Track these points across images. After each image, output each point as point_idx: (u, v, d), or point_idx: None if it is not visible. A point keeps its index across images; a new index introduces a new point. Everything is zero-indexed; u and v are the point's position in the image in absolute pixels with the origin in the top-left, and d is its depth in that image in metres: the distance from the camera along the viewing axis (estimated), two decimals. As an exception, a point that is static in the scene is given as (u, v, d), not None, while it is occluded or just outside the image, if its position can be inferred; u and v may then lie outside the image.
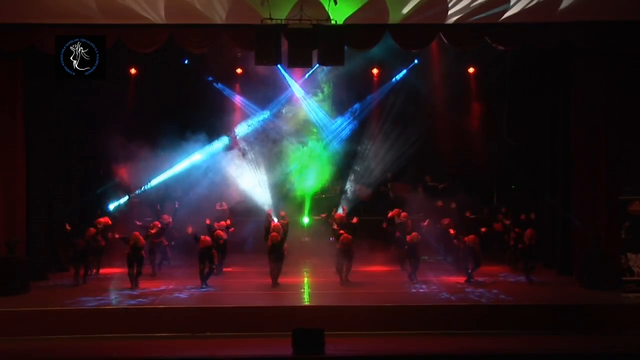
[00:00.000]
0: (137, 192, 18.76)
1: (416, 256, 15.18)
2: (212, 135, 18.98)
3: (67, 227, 15.42)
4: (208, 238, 14.96)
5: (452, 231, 15.72)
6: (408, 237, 15.22)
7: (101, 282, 15.45)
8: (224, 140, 19.22)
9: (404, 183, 19.17)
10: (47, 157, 16.08)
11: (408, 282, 15.08)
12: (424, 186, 19.09)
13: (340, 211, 17.16)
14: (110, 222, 16.51)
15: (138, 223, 16.17)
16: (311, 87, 19.16)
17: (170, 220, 16.62)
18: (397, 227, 16.22)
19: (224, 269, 16.31)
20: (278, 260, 14.91)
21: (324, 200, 19.20)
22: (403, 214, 16.36)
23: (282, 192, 18.58)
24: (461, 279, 15.20)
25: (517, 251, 15.90)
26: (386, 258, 16.85)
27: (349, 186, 19.26)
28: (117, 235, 15.99)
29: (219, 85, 19.18)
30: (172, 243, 16.67)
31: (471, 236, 15.17)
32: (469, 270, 15.14)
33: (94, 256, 15.78)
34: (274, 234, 15.08)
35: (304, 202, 18.97)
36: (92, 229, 15.72)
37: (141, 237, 14.97)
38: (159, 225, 16.15)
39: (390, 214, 16.76)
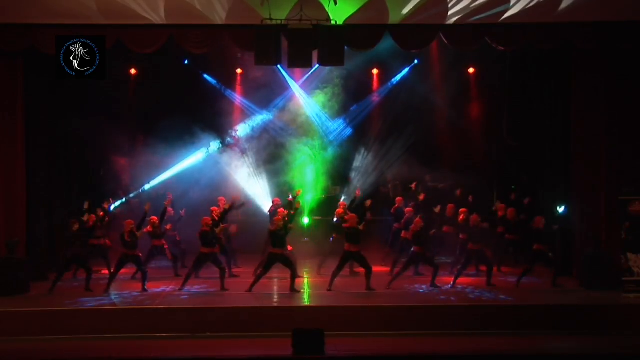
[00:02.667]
0: (136, 192, 18.75)
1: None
2: (212, 136, 18.98)
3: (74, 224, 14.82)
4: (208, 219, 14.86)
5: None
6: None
7: (99, 284, 15.47)
8: (224, 141, 19.21)
9: (404, 183, 19.14)
10: (47, 157, 16.08)
11: (408, 283, 15.06)
12: (423, 186, 19.06)
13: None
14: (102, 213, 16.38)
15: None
16: (311, 87, 19.16)
17: (172, 212, 16.50)
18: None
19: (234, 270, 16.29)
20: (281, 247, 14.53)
21: (324, 201, 19.20)
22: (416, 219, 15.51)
23: (282, 192, 18.54)
24: (464, 280, 15.24)
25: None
26: (386, 258, 16.87)
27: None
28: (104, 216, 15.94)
29: (217, 84, 19.19)
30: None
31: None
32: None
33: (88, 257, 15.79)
34: (277, 217, 14.89)
35: (303, 202, 18.95)
36: (93, 216, 15.63)
37: (135, 229, 14.65)
38: (156, 220, 15.69)
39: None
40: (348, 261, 14.95)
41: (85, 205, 15.36)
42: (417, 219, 15.05)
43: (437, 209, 16.20)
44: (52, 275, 15.66)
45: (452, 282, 14.87)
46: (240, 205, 16.47)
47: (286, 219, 14.83)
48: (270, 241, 14.71)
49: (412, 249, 14.96)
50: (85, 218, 15.09)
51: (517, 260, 16.50)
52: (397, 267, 15.60)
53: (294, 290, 14.39)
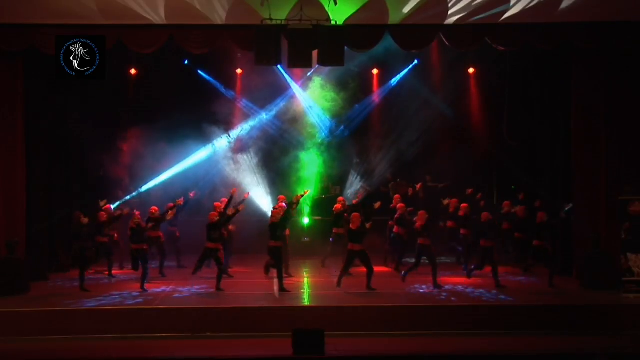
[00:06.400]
0: (136, 192, 18.75)
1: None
2: (212, 136, 18.98)
3: (83, 218, 15.20)
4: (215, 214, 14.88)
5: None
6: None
7: (101, 283, 15.50)
8: (223, 141, 19.20)
9: (404, 183, 19.14)
10: (47, 157, 16.08)
11: (408, 283, 15.03)
12: (423, 186, 19.08)
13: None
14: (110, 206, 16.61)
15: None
16: (311, 87, 19.15)
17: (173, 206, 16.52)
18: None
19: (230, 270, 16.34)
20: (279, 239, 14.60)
21: (325, 201, 19.19)
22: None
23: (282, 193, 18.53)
24: (464, 280, 15.24)
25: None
26: (385, 258, 16.88)
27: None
28: (117, 212, 16.15)
29: (217, 84, 19.18)
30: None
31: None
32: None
33: (105, 255, 15.88)
34: (274, 211, 15.01)
35: (304, 202, 18.94)
36: (102, 214, 15.79)
37: (142, 222, 14.74)
38: (156, 211, 15.73)
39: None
40: (354, 260, 14.86)
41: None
42: (422, 211, 15.04)
43: (446, 202, 16.41)
44: (53, 275, 15.71)
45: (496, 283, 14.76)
46: (240, 202, 16.40)
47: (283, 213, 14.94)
48: (269, 234, 14.70)
49: (418, 242, 14.88)
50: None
51: (517, 259, 16.49)
52: (402, 266, 15.68)
53: (283, 290, 14.35)
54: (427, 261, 14.85)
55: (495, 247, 15.02)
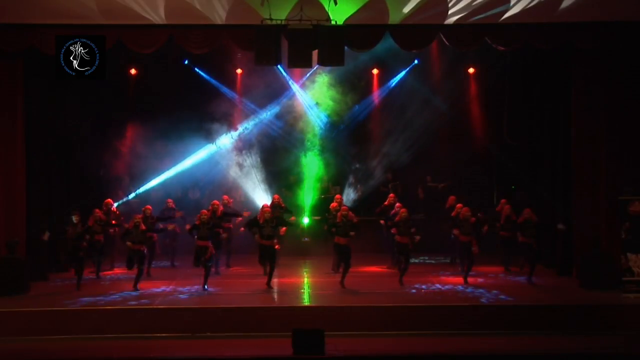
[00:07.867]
0: (136, 192, 18.75)
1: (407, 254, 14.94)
2: (212, 135, 18.98)
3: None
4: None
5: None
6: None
7: (101, 283, 15.49)
8: (224, 141, 19.20)
9: (404, 183, 19.14)
10: (47, 157, 16.08)
11: (408, 283, 15.03)
12: (423, 186, 19.09)
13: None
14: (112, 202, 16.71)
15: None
16: (311, 87, 19.14)
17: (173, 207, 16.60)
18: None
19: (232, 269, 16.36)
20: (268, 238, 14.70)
21: (324, 201, 19.18)
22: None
23: (281, 193, 18.54)
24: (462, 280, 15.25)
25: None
26: (385, 258, 16.87)
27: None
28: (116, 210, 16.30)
29: (217, 84, 19.17)
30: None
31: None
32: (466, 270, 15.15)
33: (95, 255, 15.80)
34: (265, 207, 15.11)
35: (304, 202, 18.97)
36: (98, 210, 15.73)
37: (142, 223, 14.73)
38: (150, 210, 15.76)
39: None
40: (347, 254, 14.81)
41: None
42: (403, 209, 15.03)
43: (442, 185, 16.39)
44: (53, 275, 15.71)
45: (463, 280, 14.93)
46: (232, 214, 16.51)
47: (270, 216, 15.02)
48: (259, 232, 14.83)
49: (396, 239, 14.88)
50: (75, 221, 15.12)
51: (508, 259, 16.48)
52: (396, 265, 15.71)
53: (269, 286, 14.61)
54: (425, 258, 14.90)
55: (472, 242, 14.98)
